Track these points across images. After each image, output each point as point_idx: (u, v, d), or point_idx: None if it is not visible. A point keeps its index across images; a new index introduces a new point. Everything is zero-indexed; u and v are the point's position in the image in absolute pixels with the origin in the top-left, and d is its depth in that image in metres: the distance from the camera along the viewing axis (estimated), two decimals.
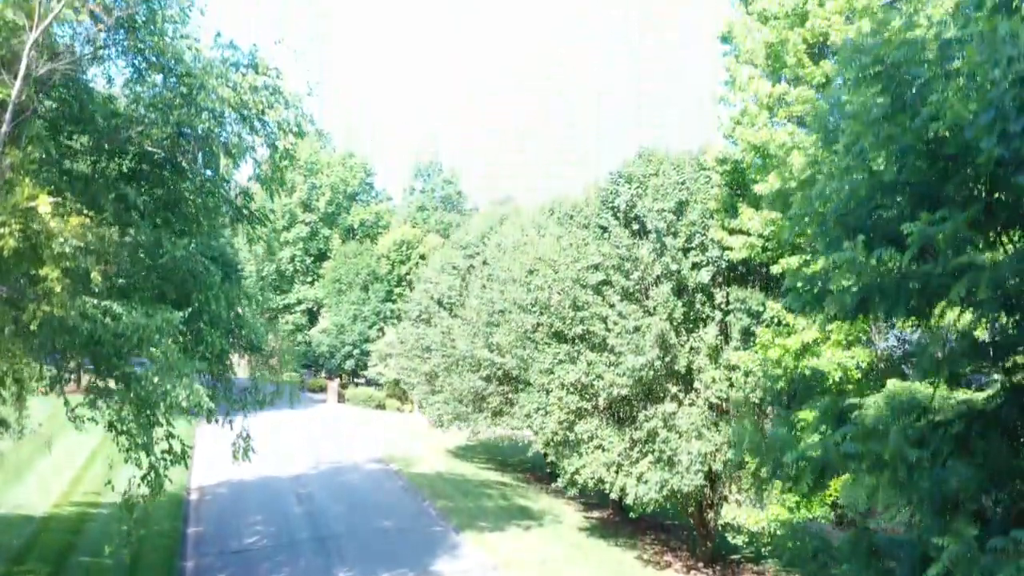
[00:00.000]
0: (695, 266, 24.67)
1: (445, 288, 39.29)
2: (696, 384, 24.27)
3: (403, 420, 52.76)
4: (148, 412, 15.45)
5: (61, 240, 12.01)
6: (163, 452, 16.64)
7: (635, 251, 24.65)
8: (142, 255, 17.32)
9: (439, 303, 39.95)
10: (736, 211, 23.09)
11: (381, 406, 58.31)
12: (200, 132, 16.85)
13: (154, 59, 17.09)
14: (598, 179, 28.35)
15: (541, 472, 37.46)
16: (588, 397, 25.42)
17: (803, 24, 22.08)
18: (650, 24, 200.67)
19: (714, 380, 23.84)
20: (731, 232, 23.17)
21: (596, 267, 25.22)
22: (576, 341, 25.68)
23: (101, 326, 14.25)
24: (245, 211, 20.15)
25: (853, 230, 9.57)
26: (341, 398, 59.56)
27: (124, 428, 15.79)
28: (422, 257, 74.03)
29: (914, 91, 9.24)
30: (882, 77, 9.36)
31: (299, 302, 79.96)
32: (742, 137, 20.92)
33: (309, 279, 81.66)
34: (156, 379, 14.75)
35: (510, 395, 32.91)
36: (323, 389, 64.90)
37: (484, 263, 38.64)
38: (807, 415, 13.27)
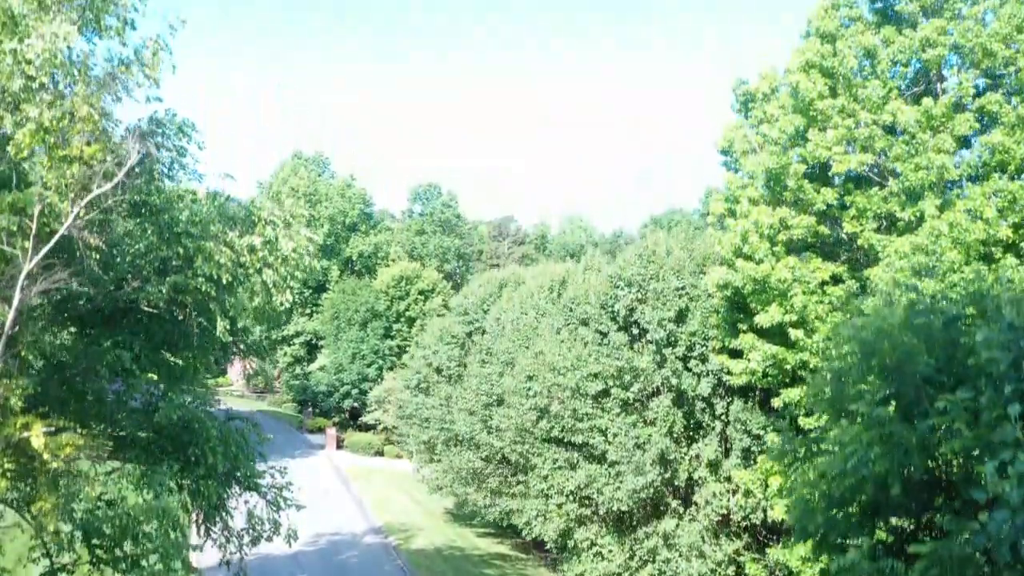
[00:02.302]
0: (695, 375, 24.56)
1: (444, 358, 39.14)
2: (696, 498, 24.15)
3: (401, 472, 52.61)
4: None
5: (55, 466, 11.87)
6: None
7: (635, 362, 24.52)
8: (137, 416, 17.22)
9: (438, 371, 39.81)
10: (736, 330, 22.96)
11: (380, 452, 58.18)
12: (198, 295, 16.72)
13: (151, 217, 16.94)
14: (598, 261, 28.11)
15: (540, 539, 37.35)
16: (588, 503, 25.31)
17: (804, 143, 21.96)
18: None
19: (715, 495, 23.73)
20: (731, 354, 23.04)
21: (596, 375, 25.09)
22: (574, 446, 25.57)
23: (97, 517, 14.13)
24: (242, 346, 20.05)
25: (858, 525, 9.42)
26: (340, 444, 59.42)
27: None
28: (421, 293, 73.90)
29: (917, 392, 9.06)
30: (884, 376, 9.21)
31: (297, 334, 79.79)
32: (743, 270, 20.78)
33: (308, 311, 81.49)
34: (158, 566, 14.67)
35: (509, 477, 32.80)
36: (321, 430, 64.70)
37: (483, 332, 38.52)
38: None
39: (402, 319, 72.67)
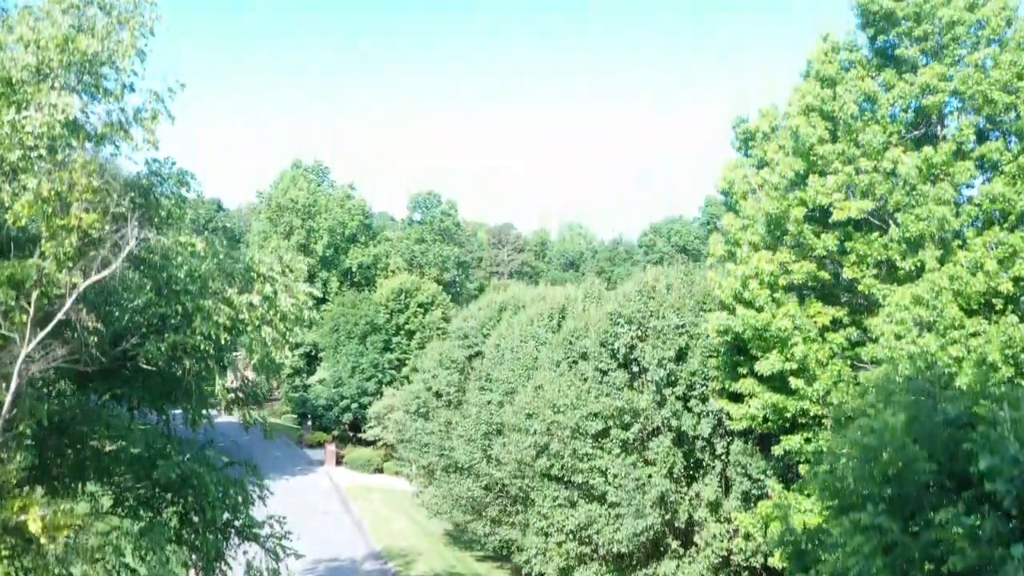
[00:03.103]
0: (695, 415, 24.52)
1: (444, 383, 39.08)
2: (697, 539, 24.12)
3: (401, 491, 52.51)
4: None
5: (52, 549, 11.83)
6: None
7: (635, 402, 24.48)
8: (136, 470, 17.18)
9: (437, 395, 39.75)
10: (737, 373, 22.92)
11: (379, 469, 58.13)
12: (196, 353, 16.69)
13: (149, 271, 16.88)
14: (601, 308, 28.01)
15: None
16: (588, 542, 25.27)
17: (804, 186, 21.92)
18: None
19: (715, 536, 23.69)
20: (731, 397, 23.01)
21: (596, 415, 25.05)
22: (575, 485, 25.52)
23: None
24: (241, 395, 20.02)
25: None
26: (339, 461, 59.35)
27: None
28: (420, 305, 73.83)
29: (919, 497, 9.05)
30: (885, 481, 9.18)
31: (297, 345, 79.64)
32: (743, 318, 20.73)
33: (307, 323, 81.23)
34: None
35: (508, 507, 32.74)
36: (321, 445, 64.66)
37: (482, 357, 38.47)
38: None
39: (401, 332, 72.59)
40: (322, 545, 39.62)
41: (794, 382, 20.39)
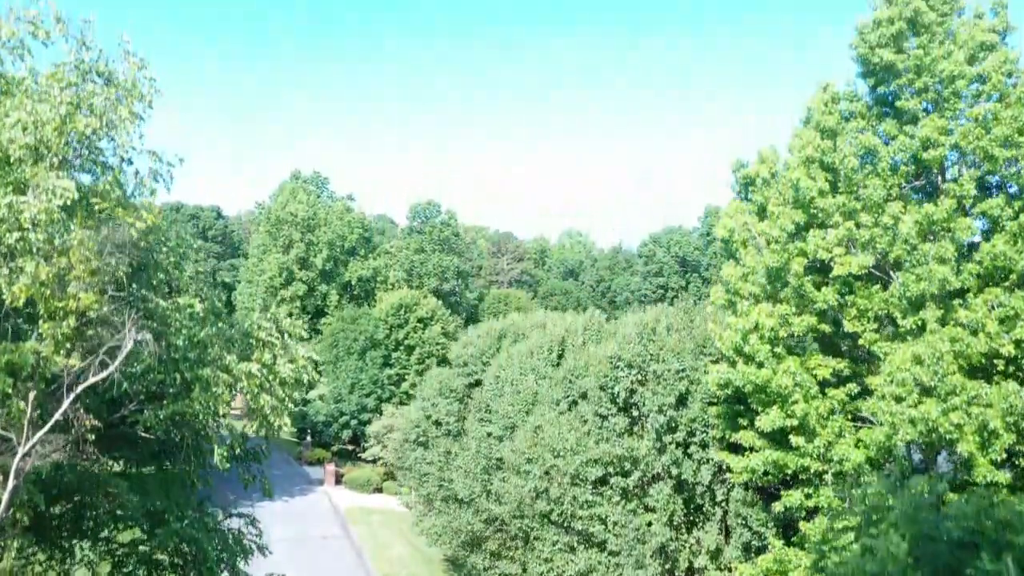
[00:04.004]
0: (695, 462, 24.46)
1: (443, 412, 39.03)
2: None
3: (400, 513, 52.44)
4: None
5: None
6: None
7: (635, 451, 24.42)
8: (136, 533, 17.15)
9: (436, 424, 39.70)
10: (737, 424, 22.87)
11: (379, 489, 58.06)
12: (195, 424, 16.64)
13: (150, 338, 16.80)
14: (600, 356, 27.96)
15: None
16: None
17: (804, 237, 21.87)
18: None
19: None
20: (731, 448, 22.96)
21: (595, 461, 25.00)
22: (575, 531, 25.46)
23: None
24: (239, 452, 19.97)
25: None
26: (339, 480, 59.30)
27: None
28: (420, 320, 73.78)
29: None
30: None
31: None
32: (744, 374, 20.67)
33: (307, 336, 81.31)
34: None
35: (508, 542, 32.67)
36: (321, 462, 64.61)
37: (480, 385, 38.43)
38: None
39: (401, 347, 72.57)
40: (321, 573, 39.59)
41: (795, 439, 20.35)
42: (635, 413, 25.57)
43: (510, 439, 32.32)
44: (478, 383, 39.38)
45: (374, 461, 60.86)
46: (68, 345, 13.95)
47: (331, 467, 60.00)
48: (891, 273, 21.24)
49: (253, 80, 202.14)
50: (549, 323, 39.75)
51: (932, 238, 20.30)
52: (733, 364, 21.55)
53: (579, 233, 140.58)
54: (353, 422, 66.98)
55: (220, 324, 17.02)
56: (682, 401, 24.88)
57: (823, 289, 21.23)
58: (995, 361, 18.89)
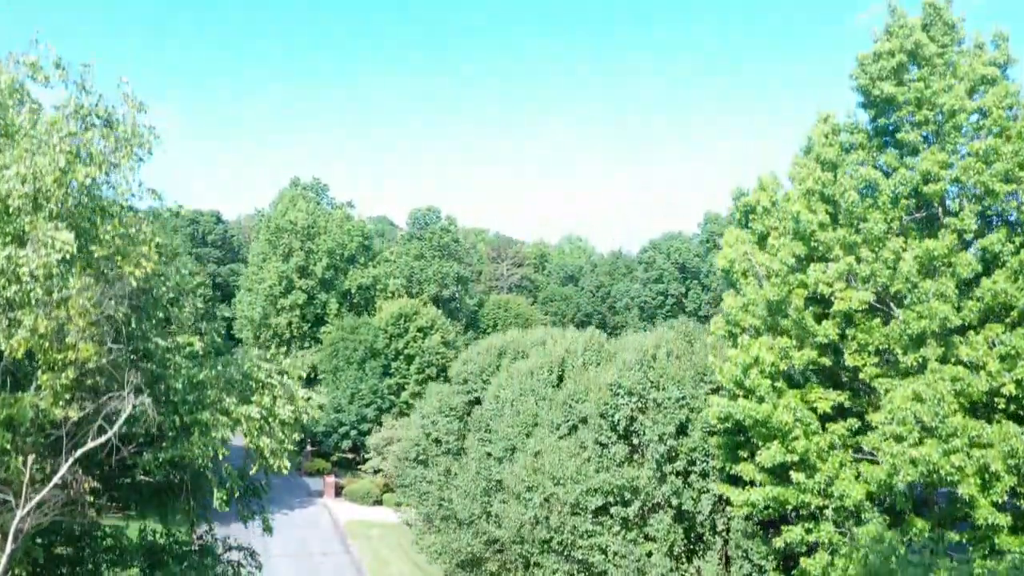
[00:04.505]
0: (696, 491, 24.42)
1: (443, 431, 38.99)
2: None
3: (400, 527, 52.39)
4: None
5: None
6: None
7: (635, 480, 24.39)
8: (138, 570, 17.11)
9: (436, 442, 39.66)
10: (737, 456, 22.84)
11: (379, 501, 58.00)
12: (195, 466, 16.60)
13: (145, 377, 16.77)
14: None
15: None
16: None
17: (805, 269, 21.83)
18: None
19: None
20: (732, 480, 22.92)
21: (596, 490, 24.96)
22: (575, 560, 25.43)
23: None
24: (237, 490, 19.93)
25: None
26: (339, 492, 59.25)
27: None
28: (420, 330, 73.72)
29: None
30: None
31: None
32: (744, 409, 20.63)
33: (307, 344, 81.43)
34: None
35: (508, 564, 32.64)
36: (321, 472, 64.59)
37: (480, 403, 38.43)
38: None
39: (401, 357, 72.52)
40: None
41: (795, 475, 20.31)
42: (635, 441, 25.54)
43: (510, 460, 32.30)
44: (478, 401, 39.35)
45: (375, 472, 60.82)
46: (67, 396, 13.92)
47: (331, 479, 59.96)
48: (891, 305, 21.21)
49: (253, 83, 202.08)
50: (549, 340, 39.71)
51: (933, 273, 20.26)
52: (734, 397, 21.51)
53: (579, 238, 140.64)
54: (353, 432, 66.94)
55: (220, 368, 16.95)
56: (682, 430, 24.85)
57: (824, 322, 21.18)
58: (996, 399, 18.85)
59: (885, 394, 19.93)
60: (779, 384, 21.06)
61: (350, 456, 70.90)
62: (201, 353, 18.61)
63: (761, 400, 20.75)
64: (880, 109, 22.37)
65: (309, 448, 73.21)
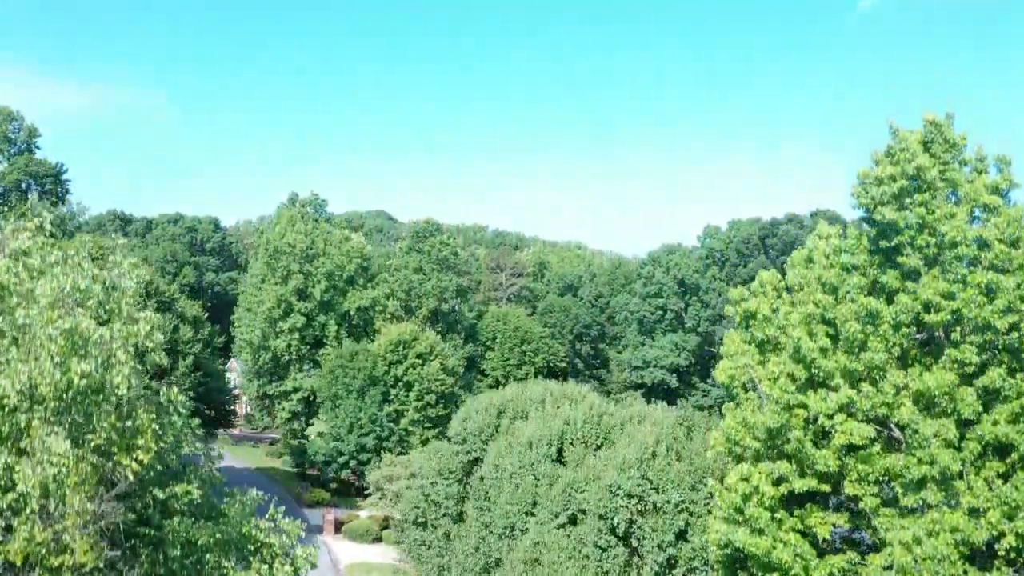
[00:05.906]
0: None
1: (442, 495, 39.04)
2: None
3: (400, 569, 52.64)
4: None
5: None
6: None
7: None
8: None
9: (435, 504, 39.71)
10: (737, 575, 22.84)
11: (379, 539, 58.16)
12: None
13: (142, 540, 16.77)
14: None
15: None
16: None
17: (806, 392, 21.77)
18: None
19: None
20: None
21: None
22: None
23: None
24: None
25: None
26: (338, 528, 59.39)
27: None
28: (419, 356, 73.69)
29: None
30: None
31: (295, 389, 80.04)
32: (744, 542, 20.64)
33: (306, 366, 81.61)
34: None
35: None
36: (320, 503, 64.78)
37: (480, 463, 38.52)
38: None
39: (400, 384, 72.55)
40: None
41: None
42: (634, 544, 25.57)
43: (510, 537, 32.37)
44: (478, 460, 39.39)
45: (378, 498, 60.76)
46: None
47: (330, 516, 60.05)
48: (893, 427, 21.17)
49: (253, 86, 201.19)
50: (548, 399, 39.74)
51: (934, 406, 20.19)
52: (734, 523, 21.51)
53: (579, 246, 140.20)
54: (352, 462, 67.09)
55: (218, 534, 16.89)
56: (682, 535, 24.87)
57: (823, 451, 21.14)
58: (996, 547, 18.86)
59: (885, 532, 19.93)
60: (779, 515, 21.05)
61: (352, 480, 71.06)
62: (199, 501, 18.54)
63: (761, 532, 20.76)
64: (881, 230, 22.20)
65: (308, 483, 73.37)
